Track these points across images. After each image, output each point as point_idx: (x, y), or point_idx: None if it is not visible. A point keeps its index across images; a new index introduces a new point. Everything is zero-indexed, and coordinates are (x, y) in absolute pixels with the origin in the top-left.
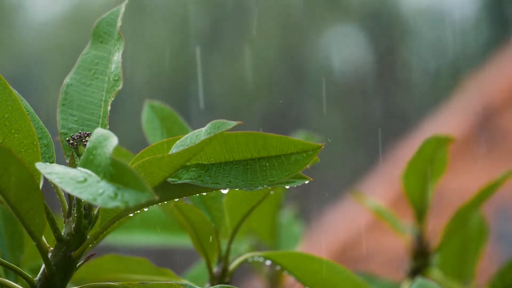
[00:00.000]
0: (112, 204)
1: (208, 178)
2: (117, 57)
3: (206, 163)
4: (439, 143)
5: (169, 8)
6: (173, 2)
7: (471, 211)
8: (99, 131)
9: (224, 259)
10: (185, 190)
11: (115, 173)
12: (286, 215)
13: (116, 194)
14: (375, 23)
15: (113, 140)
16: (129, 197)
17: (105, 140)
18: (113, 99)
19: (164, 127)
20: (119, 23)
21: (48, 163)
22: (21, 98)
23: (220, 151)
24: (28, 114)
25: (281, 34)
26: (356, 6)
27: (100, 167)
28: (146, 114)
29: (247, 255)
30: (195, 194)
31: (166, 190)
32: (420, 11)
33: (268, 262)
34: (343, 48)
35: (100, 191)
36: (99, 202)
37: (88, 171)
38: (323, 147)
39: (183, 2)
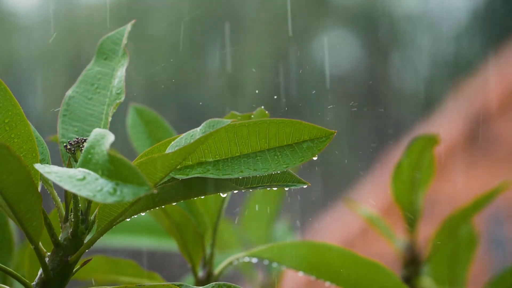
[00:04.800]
0: (111, 200)
1: (217, 171)
2: (121, 72)
3: (210, 160)
4: (426, 143)
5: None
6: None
7: (463, 220)
8: (97, 131)
9: (208, 263)
10: (192, 188)
11: (113, 169)
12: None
13: (115, 190)
14: (368, 28)
15: (110, 137)
16: (128, 191)
17: (103, 138)
18: (114, 110)
19: (149, 131)
20: (124, 42)
21: (46, 164)
22: None
23: (227, 144)
24: None
25: (274, 38)
26: (349, 11)
27: (98, 165)
28: (130, 118)
29: (231, 258)
30: (203, 194)
31: (171, 191)
32: (413, 16)
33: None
34: (335, 53)
35: (99, 187)
36: (98, 198)
37: (87, 170)
38: (335, 133)
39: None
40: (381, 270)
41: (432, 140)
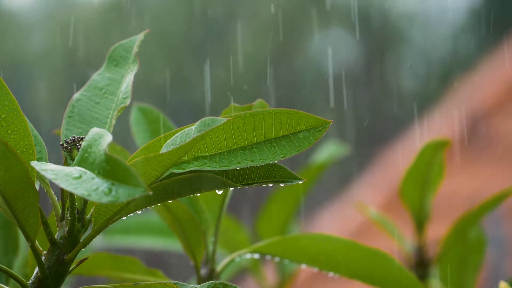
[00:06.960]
0: (105, 199)
1: (214, 163)
2: (129, 78)
3: (207, 154)
4: (436, 147)
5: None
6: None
7: (472, 222)
8: (94, 130)
9: (211, 260)
10: (187, 186)
11: (109, 169)
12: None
13: (110, 190)
14: (365, 27)
15: (108, 137)
16: (123, 192)
17: (100, 138)
18: (119, 114)
19: (152, 129)
20: (135, 50)
21: (43, 162)
22: None
23: (223, 137)
24: None
25: (271, 38)
26: (346, 10)
27: (94, 164)
28: (134, 116)
29: (234, 255)
30: (199, 191)
31: (167, 188)
32: (410, 15)
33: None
34: (333, 51)
35: (95, 187)
36: (93, 198)
37: (83, 169)
38: (331, 123)
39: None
40: (382, 256)
41: (442, 144)
